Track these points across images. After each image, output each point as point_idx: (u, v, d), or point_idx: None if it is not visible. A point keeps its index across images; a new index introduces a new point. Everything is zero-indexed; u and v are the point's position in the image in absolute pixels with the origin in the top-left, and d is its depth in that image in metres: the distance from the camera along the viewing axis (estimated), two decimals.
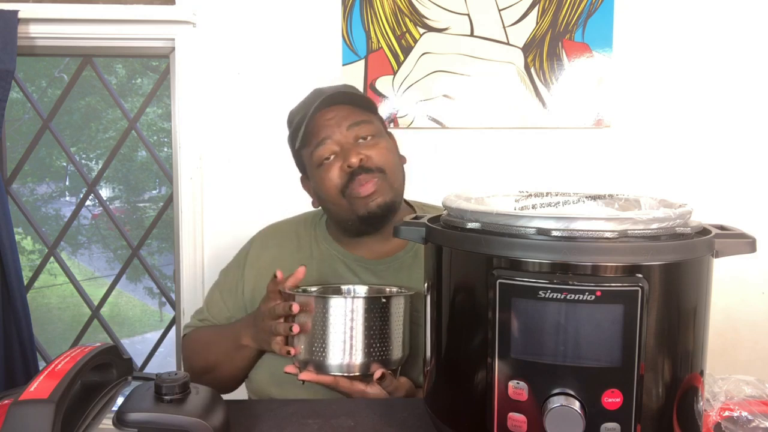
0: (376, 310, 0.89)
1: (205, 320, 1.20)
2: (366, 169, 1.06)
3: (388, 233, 1.11)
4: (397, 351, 0.91)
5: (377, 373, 0.89)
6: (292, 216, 1.29)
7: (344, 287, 1.08)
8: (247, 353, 1.07)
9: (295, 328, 0.90)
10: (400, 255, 1.14)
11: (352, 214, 1.08)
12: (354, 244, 1.15)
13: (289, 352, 0.92)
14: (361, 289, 1.07)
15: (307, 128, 1.09)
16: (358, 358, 0.88)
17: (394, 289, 1.04)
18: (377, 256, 1.14)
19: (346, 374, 0.89)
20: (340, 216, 1.12)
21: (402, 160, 1.17)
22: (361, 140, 1.09)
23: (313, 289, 1.05)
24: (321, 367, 0.89)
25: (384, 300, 0.90)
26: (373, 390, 0.91)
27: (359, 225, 1.10)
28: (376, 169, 1.07)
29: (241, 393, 1.18)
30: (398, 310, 0.91)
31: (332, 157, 1.08)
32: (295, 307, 0.91)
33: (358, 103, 1.12)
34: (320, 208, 1.19)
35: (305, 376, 0.89)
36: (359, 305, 0.88)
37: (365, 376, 0.90)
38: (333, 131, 1.08)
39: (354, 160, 1.05)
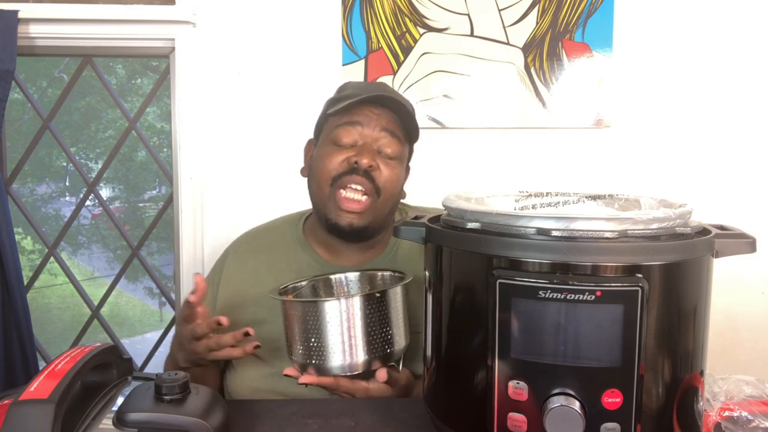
0: (373, 306, 0.84)
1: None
2: (369, 177, 1.03)
3: (363, 245, 1.10)
4: (398, 343, 0.88)
5: (381, 375, 0.86)
6: (271, 220, 1.27)
7: (333, 277, 1.04)
8: (199, 372, 1.03)
9: (250, 330, 0.91)
10: (378, 260, 1.12)
11: (326, 210, 1.06)
12: (332, 251, 1.13)
13: (256, 349, 0.92)
14: (353, 276, 1.03)
15: (352, 103, 1.05)
16: (359, 357, 0.84)
17: (387, 274, 1.00)
18: (355, 262, 1.11)
19: (348, 374, 0.85)
20: (317, 199, 1.09)
21: (402, 194, 1.14)
22: (382, 152, 1.06)
23: (303, 283, 1.01)
24: (322, 370, 0.85)
25: (378, 294, 0.85)
26: (375, 385, 0.88)
27: (325, 224, 1.07)
28: (376, 187, 1.04)
29: None
30: (396, 300, 0.87)
31: (350, 144, 1.06)
32: (223, 320, 0.91)
33: (406, 122, 1.09)
34: (303, 210, 1.19)
35: (306, 379, 0.85)
36: (354, 304, 0.83)
37: (367, 373, 0.87)
38: (369, 122, 1.05)
39: (366, 161, 1.02)
